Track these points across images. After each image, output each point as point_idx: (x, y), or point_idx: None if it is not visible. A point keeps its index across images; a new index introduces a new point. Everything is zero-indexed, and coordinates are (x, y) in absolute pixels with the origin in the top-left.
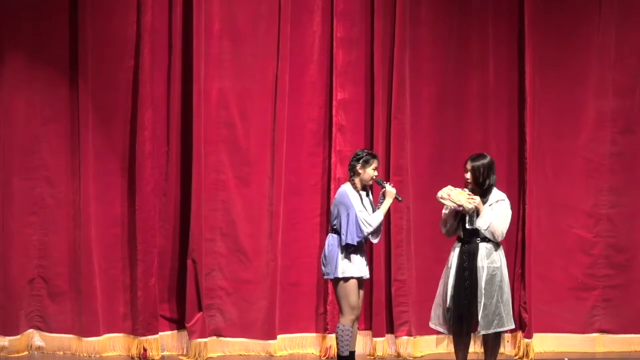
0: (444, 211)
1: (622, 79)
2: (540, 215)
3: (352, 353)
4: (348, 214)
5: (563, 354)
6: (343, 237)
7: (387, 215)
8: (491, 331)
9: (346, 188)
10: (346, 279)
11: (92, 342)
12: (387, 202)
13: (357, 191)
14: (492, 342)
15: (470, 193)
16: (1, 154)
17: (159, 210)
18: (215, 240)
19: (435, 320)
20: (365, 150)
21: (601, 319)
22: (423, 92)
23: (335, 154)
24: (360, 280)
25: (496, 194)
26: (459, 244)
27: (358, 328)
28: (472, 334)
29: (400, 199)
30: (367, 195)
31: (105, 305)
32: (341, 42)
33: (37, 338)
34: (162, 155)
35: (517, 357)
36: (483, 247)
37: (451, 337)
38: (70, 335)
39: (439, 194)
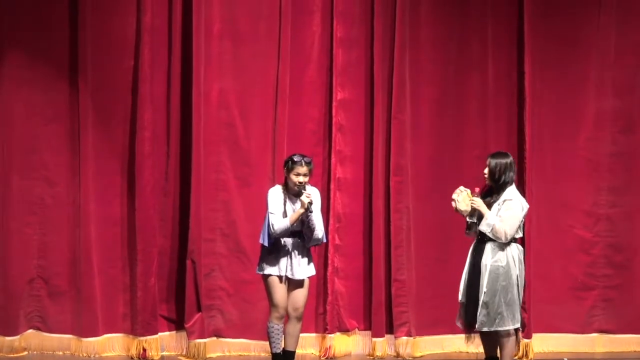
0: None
1: (621, 79)
2: (540, 215)
3: (291, 353)
4: (267, 215)
5: (563, 354)
6: (260, 236)
7: (387, 215)
8: (492, 329)
9: (273, 188)
10: (265, 277)
11: (91, 342)
12: (297, 212)
13: (285, 193)
14: (499, 343)
15: (476, 191)
16: (1, 154)
17: (159, 210)
18: (215, 241)
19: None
20: (296, 155)
21: (601, 319)
22: (423, 92)
23: (335, 154)
24: (290, 280)
25: (508, 193)
26: (474, 242)
27: (358, 328)
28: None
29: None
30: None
31: (105, 305)
32: (341, 42)
33: (36, 338)
34: (162, 155)
35: (516, 357)
36: (489, 246)
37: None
38: (70, 336)
39: (453, 195)
